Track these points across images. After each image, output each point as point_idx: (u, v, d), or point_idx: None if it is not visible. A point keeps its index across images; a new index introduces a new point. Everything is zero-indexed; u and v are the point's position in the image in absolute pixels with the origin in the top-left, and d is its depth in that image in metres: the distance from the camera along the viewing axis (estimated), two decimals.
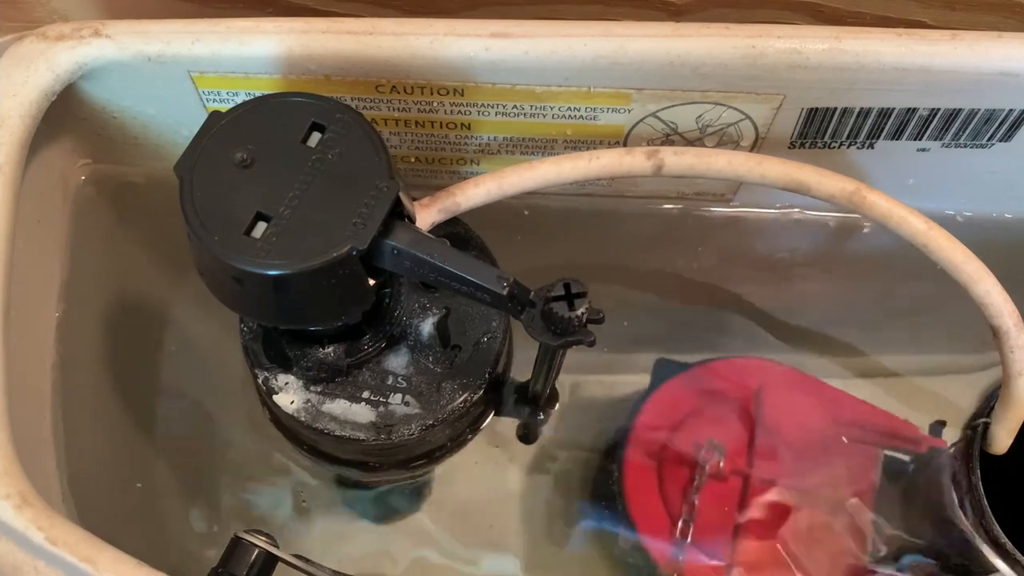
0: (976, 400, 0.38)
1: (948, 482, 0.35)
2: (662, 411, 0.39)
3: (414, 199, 0.29)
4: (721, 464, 0.38)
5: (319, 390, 0.30)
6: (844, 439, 0.38)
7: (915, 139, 0.36)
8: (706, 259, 0.43)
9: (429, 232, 0.29)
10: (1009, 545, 0.33)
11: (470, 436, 0.33)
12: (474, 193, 0.32)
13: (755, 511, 0.37)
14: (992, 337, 0.32)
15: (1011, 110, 0.35)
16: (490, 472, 0.40)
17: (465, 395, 0.31)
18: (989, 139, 0.36)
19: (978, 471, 0.34)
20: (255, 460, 0.40)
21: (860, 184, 0.32)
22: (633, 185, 0.41)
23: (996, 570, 0.34)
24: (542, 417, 0.34)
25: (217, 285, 0.27)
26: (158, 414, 0.40)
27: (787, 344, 0.42)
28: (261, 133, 0.26)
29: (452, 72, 0.33)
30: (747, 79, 0.33)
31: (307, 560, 0.30)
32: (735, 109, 0.35)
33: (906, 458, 0.38)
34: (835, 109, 0.35)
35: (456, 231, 0.33)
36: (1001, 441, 0.34)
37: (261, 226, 0.25)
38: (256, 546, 0.29)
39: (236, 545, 0.29)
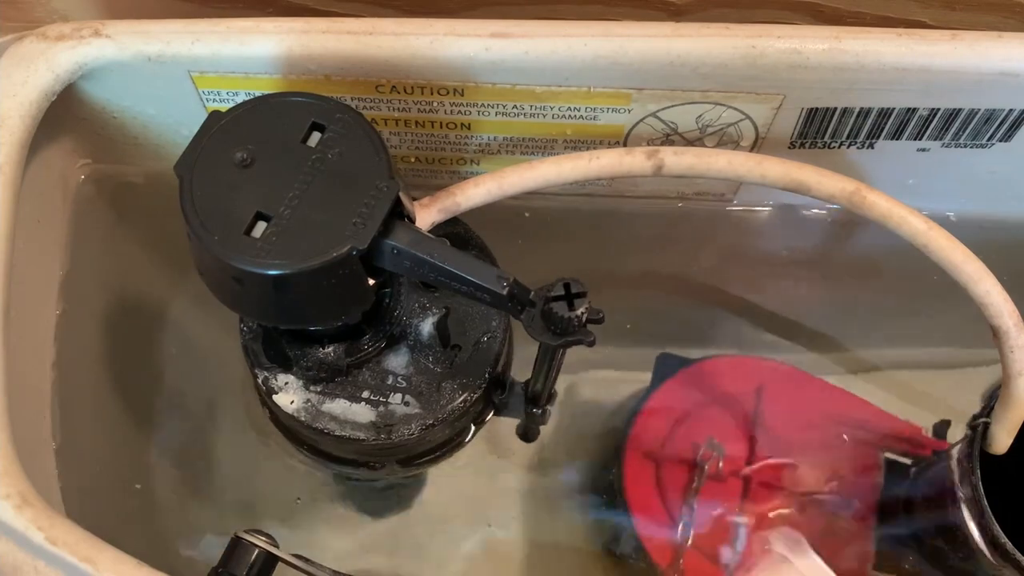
0: (976, 400, 0.38)
1: (949, 482, 0.35)
2: (662, 411, 0.39)
3: (414, 199, 0.29)
4: (720, 464, 0.38)
5: (319, 390, 0.30)
6: (844, 438, 0.38)
7: (915, 139, 0.36)
8: (706, 259, 0.43)
9: (429, 232, 0.29)
10: (1009, 545, 0.33)
11: (470, 436, 0.33)
12: (474, 193, 0.32)
13: (755, 511, 0.37)
14: (992, 337, 0.32)
15: (1011, 110, 0.35)
16: (489, 471, 0.40)
17: (465, 395, 0.31)
18: (989, 139, 0.36)
19: (978, 471, 0.34)
20: (255, 460, 0.40)
21: (860, 184, 0.32)
22: (633, 185, 0.41)
23: (996, 570, 0.34)
24: (542, 416, 0.34)
25: (217, 285, 0.27)
26: (158, 414, 0.40)
27: (787, 343, 0.42)
28: (261, 133, 0.26)
29: (452, 72, 0.33)
30: (747, 79, 0.33)
31: (307, 560, 0.30)
32: (735, 109, 0.35)
33: (906, 459, 0.38)
34: (835, 109, 0.35)
35: (456, 231, 0.33)
36: (1001, 441, 0.34)
37: (261, 226, 0.25)
38: (256, 546, 0.29)
39: (236, 545, 0.29)
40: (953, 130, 0.36)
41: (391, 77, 0.33)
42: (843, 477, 0.38)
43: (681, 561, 0.37)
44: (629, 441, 0.38)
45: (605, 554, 0.39)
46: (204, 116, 0.26)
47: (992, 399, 0.34)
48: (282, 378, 0.31)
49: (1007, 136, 0.36)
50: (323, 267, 0.25)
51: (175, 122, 0.37)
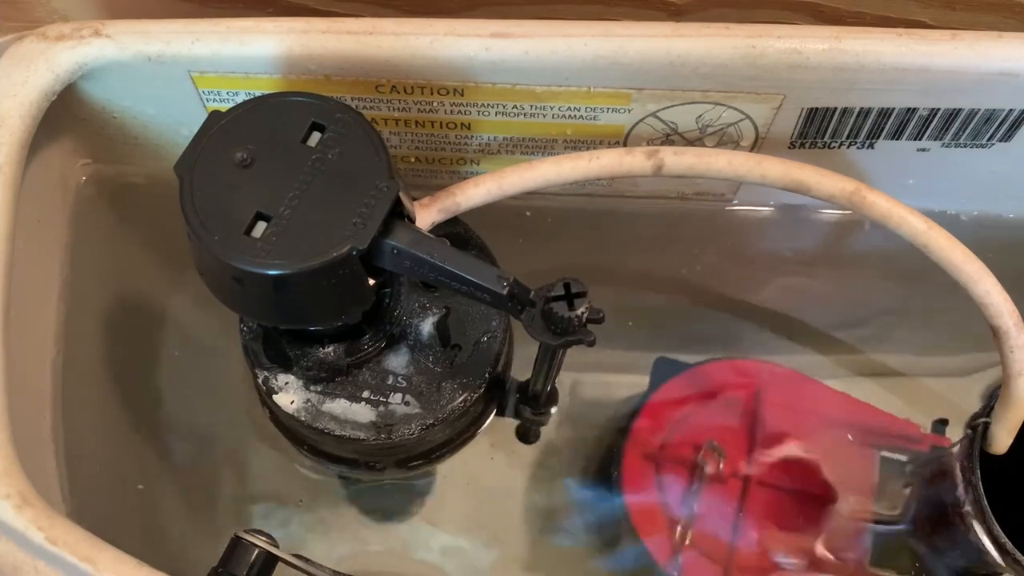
0: (976, 400, 0.38)
1: (949, 482, 0.35)
2: (661, 412, 0.39)
3: (414, 199, 0.29)
4: (720, 466, 0.38)
5: (319, 390, 0.30)
6: (843, 439, 0.38)
7: (915, 139, 0.36)
8: (706, 259, 0.43)
9: (429, 232, 0.29)
10: (1009, 545, 0.33)
11: (470, 436, 0.33)
12: (474, 193, 0.32)
13: (754, 512, 0.37)
14: (992, 337, 0.32)
15: (1011, 110, 0.35)
16: (490, 471, 0.40)
17: (465, 395, 0.31)
18: (989, 139, 0.36)
19: (978, 471, 0.34)
20: (255, 460, 0.40)
21: (860, 184, 0.32)
22: (633, 185, 0.41)
23: (997, 570, 0.34)
24: (542, 417, 0.34)
25: (217, 285, 0.27)
26: (158, 414, 0.40)
27: (787, 344, 0.42)
28: (261, 133, 0.26)
29: (452, 72, 0.33)
30: (747, 79, 0.33)
31: (307, 560, 0.30)
32: (735, 109, 0.35)
33: (905, 459, 0.38)
34: (835, 109, 0.35)
35: (456, 231, 0.33)
36: (1001, 441, 0.34)
37: (261, 226, 0.25)
38: (256, 546, 0.29)
39: (236, 545, 0.29)
40: (953, 130, 0.36)
41: (391, 77, 0.33)
42: (842, 476, 0.38)
43: (681, 562, 0.37)
44: (629, 442, 0.38)
45: (605, 555, 0.39)
46: (204, 116, 0.26)
47: (992, 399, 0.34)
48: (282, 378, 0.31)
49: (1007, 136, 0.36)
50: (323, 267, 0.25)
51: (175, 122, 0.37)
